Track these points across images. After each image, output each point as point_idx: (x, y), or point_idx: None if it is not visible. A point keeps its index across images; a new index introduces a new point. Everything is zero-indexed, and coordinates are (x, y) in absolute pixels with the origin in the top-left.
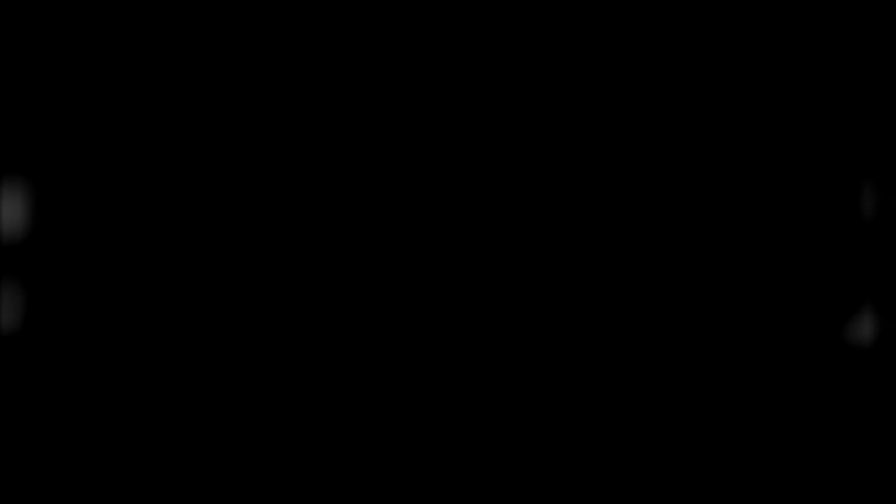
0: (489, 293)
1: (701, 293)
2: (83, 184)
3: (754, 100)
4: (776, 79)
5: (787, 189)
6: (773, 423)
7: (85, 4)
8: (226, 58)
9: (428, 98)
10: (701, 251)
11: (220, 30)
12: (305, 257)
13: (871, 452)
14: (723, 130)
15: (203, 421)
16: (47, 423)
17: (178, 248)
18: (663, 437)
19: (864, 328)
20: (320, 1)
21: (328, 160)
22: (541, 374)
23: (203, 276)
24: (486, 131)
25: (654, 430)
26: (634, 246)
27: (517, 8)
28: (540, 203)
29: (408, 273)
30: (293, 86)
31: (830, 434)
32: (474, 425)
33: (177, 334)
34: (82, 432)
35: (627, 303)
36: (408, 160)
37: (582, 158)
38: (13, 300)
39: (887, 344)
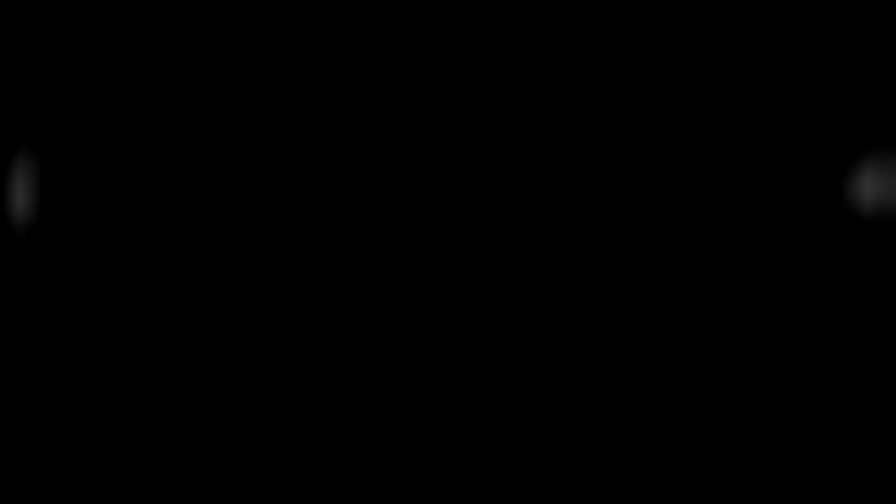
0: (489, 293)
1: (699, 292)
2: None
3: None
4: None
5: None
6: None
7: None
8: (226, 53)
9: (428, 98)
10: (698, 248)
11: (221, 24)
12: (305, 255)
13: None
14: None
15: (203, 418)
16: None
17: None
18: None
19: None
20: (321, 1)
21: (328, 160)
22: (541, 374)
23: (203, 273)
24: (487, 131)
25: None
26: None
27: (517, 8)
28: (534, 203)
29: (408, 273)
30: (294, 84)
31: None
32: (474, 425)
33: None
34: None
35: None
36: (408, 160)
37: (578, 152)
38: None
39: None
